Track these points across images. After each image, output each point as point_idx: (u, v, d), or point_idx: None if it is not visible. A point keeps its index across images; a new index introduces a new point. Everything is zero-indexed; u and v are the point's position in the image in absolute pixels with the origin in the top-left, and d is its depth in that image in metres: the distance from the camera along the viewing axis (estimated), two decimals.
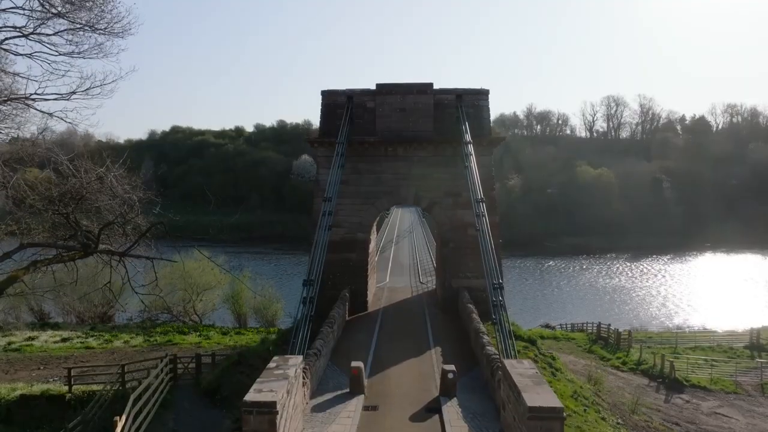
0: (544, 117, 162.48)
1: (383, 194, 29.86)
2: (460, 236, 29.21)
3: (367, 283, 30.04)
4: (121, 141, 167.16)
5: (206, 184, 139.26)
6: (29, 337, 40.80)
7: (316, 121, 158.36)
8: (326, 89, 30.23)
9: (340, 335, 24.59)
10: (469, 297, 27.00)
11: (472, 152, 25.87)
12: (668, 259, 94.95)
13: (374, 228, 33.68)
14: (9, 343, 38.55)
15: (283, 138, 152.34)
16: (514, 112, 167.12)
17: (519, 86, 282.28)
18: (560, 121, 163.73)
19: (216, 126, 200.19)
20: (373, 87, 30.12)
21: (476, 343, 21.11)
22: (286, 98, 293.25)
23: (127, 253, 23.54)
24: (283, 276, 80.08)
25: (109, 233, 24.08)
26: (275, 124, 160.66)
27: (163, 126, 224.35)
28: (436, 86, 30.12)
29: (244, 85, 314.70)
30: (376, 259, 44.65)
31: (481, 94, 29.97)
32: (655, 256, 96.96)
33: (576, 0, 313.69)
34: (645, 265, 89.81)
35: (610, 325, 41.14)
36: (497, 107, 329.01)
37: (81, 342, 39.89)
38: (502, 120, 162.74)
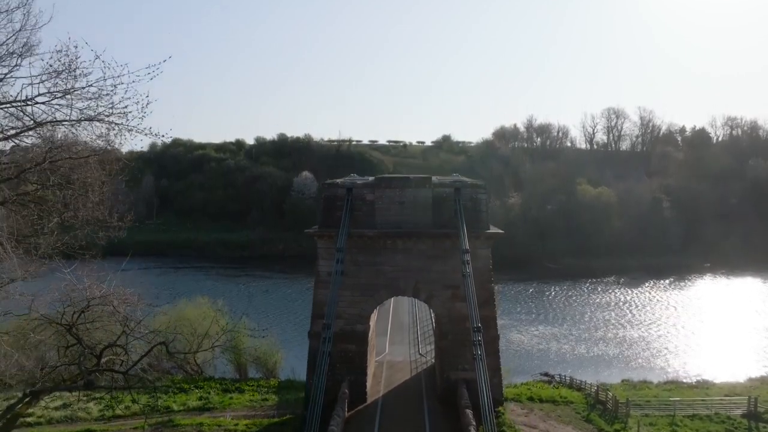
0: (544, 129, 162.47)
1: (382, 287, 30.12)
2: (458, 329, 29.46)
3: (366, 373, 30.30)
4: (123, 150, 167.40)
5: (207, 199, 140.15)
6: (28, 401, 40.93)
7: (316, 134, 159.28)
8: (327, 181, 30.52)
9: None
10: (467, 397, 27.20)
11: (470, 261, 26.04)
12: (668, 284, 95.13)
13: (374, 313, 33.78)
14: (8, 409, 38.72)
15: (283, 152, 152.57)
16: (515, 125, 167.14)
17: (519, 93, 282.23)
18: (560, 134, 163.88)
19: (216, 137, 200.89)
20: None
21: None
22: (287, 108, 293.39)
23: (129, 374, 23.94)
24: (284, 307, 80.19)
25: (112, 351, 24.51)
26: (276, 137, 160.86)
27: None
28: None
29: (245, 95, 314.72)
30: (376, 318, 44.84)
31: (479, 188, 30.19)
32: (654, 281, 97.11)
33: (575, 3, 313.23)
34: (644, 292, 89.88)
35: (608, 391, 41.33)
36: (497, 119, 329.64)
37: (81, 408, 40.10)
38: (502, 132, 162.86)
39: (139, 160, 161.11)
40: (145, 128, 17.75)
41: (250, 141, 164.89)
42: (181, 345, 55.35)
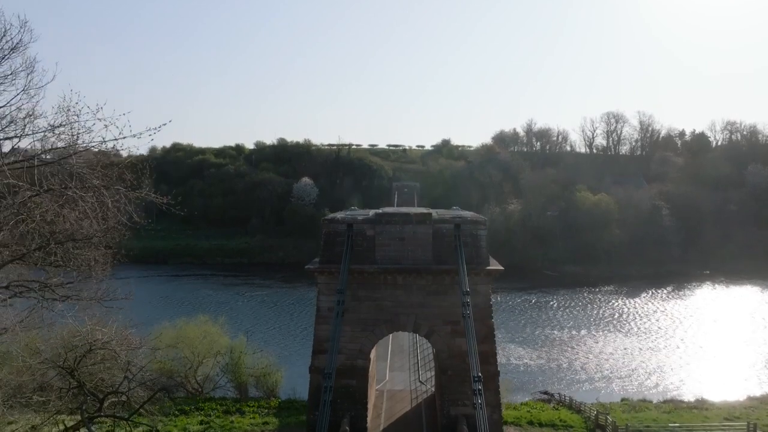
0: (543, 134, 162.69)
1: (382, 322, 30.22)
2: (458, 364, 29.54)
3: (367, 408, 30.43)
4: (123, 154, 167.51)
5: (207, 206, 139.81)
6: (32, 427, 41.03)
7: (315, 139, 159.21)
8: (327, 217, 30.59)
9: None
10: None
11: (470, 302, 26.14)
12: (667, 293, 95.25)
13: (375, 349, 33.86)
14: None
15: (283, 157, 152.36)
16: (514, 129, 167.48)
17: (519, 96, 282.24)
18: (560, 138, 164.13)
19: (216, 140, 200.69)
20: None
21: None
22: (286, 111, 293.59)
23: (131, 419, 24.21)
24: (285, 319, 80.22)
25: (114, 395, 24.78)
26: (275, 141, 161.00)
27: (164, 139, 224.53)
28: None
29: (244, 97, 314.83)
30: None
31: (479, 224, 30.24)
32: (653, 289, 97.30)
33: (575, 7, 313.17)
34: (643, 302, 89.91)
35: (608, 414, 41.44)
36: (496, 124, 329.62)
37: None
38: (502, 137, 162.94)
39: (137, 164, 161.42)
40: (149, 193, 17.96)
41: (249, 145, 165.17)
42: (181, 364, 55.78)
